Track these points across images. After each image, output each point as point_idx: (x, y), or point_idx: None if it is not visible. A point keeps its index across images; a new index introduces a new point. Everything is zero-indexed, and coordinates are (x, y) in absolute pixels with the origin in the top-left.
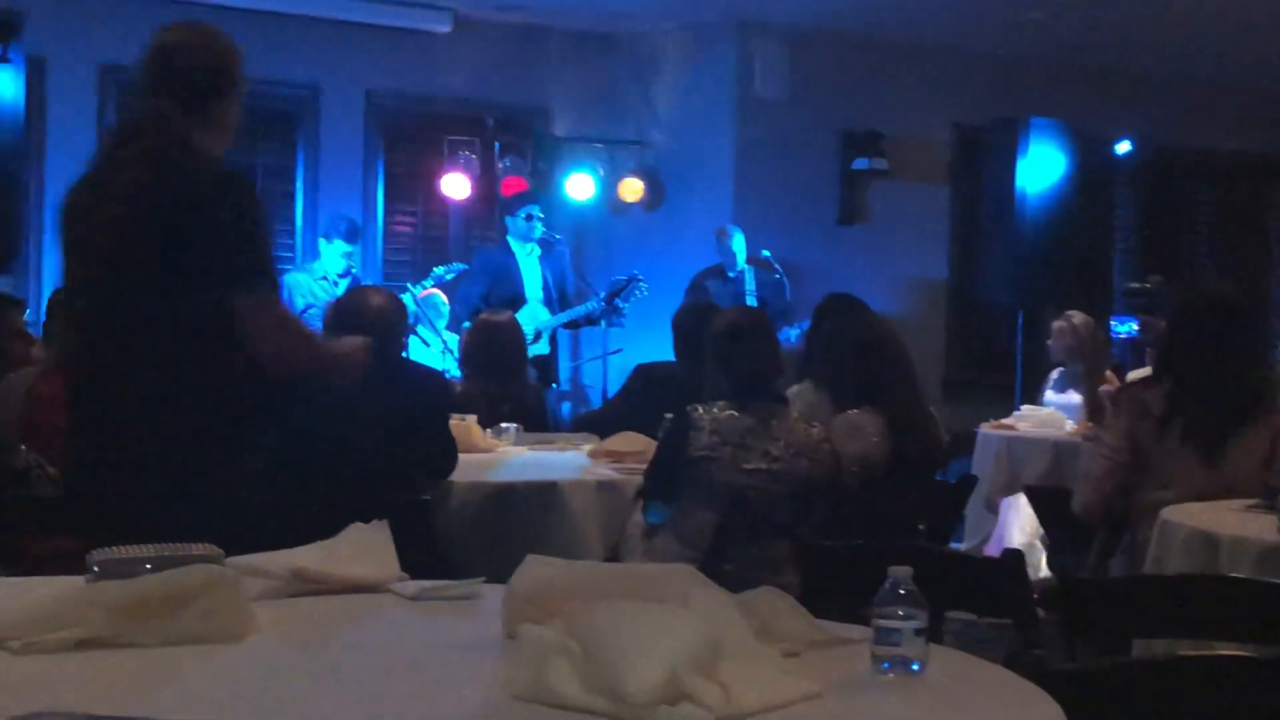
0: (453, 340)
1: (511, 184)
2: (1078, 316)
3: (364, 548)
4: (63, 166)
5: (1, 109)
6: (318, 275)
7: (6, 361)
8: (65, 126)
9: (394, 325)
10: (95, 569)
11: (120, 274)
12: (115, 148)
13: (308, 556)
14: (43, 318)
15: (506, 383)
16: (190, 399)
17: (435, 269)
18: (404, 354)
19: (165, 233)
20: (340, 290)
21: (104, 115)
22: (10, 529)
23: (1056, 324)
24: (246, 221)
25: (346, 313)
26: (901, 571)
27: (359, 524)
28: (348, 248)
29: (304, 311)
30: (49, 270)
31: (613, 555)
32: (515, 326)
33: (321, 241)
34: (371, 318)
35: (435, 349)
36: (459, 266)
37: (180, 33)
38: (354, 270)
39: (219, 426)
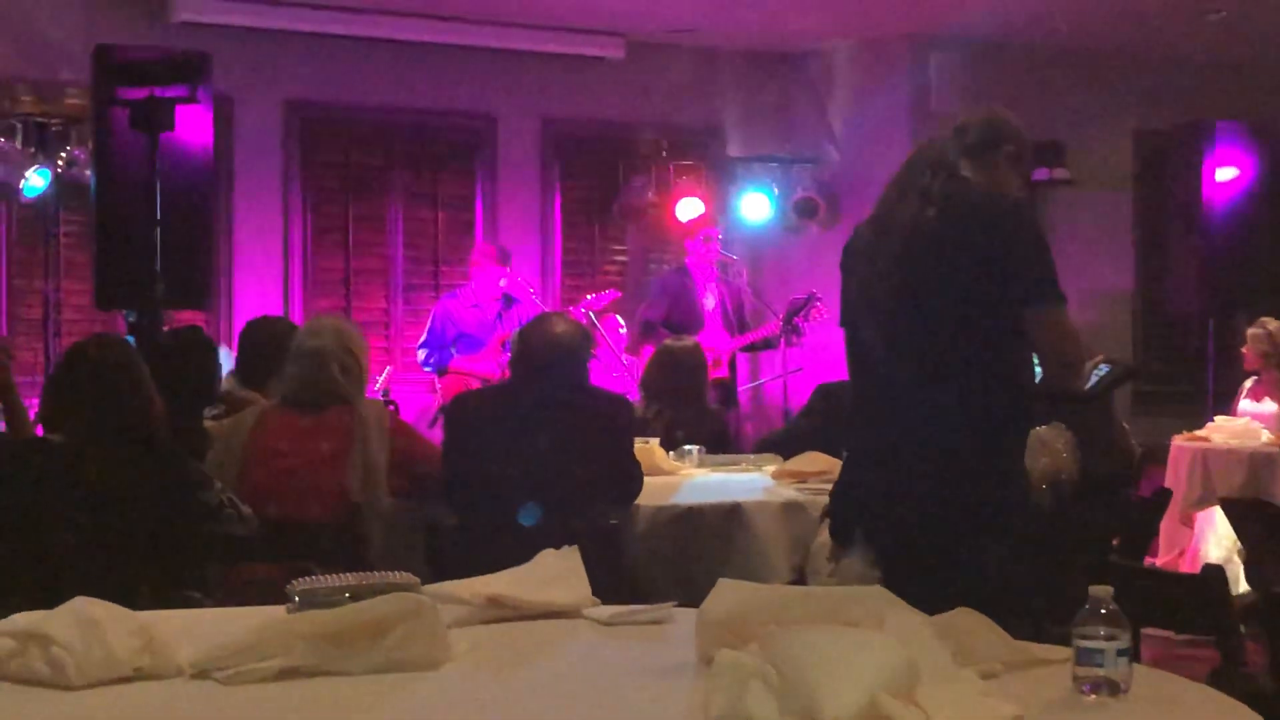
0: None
1: (688, 207)
2: (1272, 323)
3: (555, 574)
4: (251, 200)
5: (191, 148)
6: (468, 303)
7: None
8: (251, 163)
9: (578, 352)
10: (296, 599)
11: (909, 305)
12: (894, 188)
13: (501, 583)
14: (235, 353)
15: (688, 406)
16: (968, 420)
17: (588, 296)
18: (588, 381)
19: (954, 262)
20: (494, 317)
21: (288, 151)
22: (204, 561)
23: (1251, 331)
24: (1034, 238)
25: (532, 341)
26: (1102, 591)
27: (550, 550)
28: (500, 271)
29: (454, 340)
30: (242, 307)
31: (798, 577)
32: (697, 352)
33: (475, 269)
34: (557, 346)
35: (612, 373)
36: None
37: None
38: (507, 296)
39: (993, 448)
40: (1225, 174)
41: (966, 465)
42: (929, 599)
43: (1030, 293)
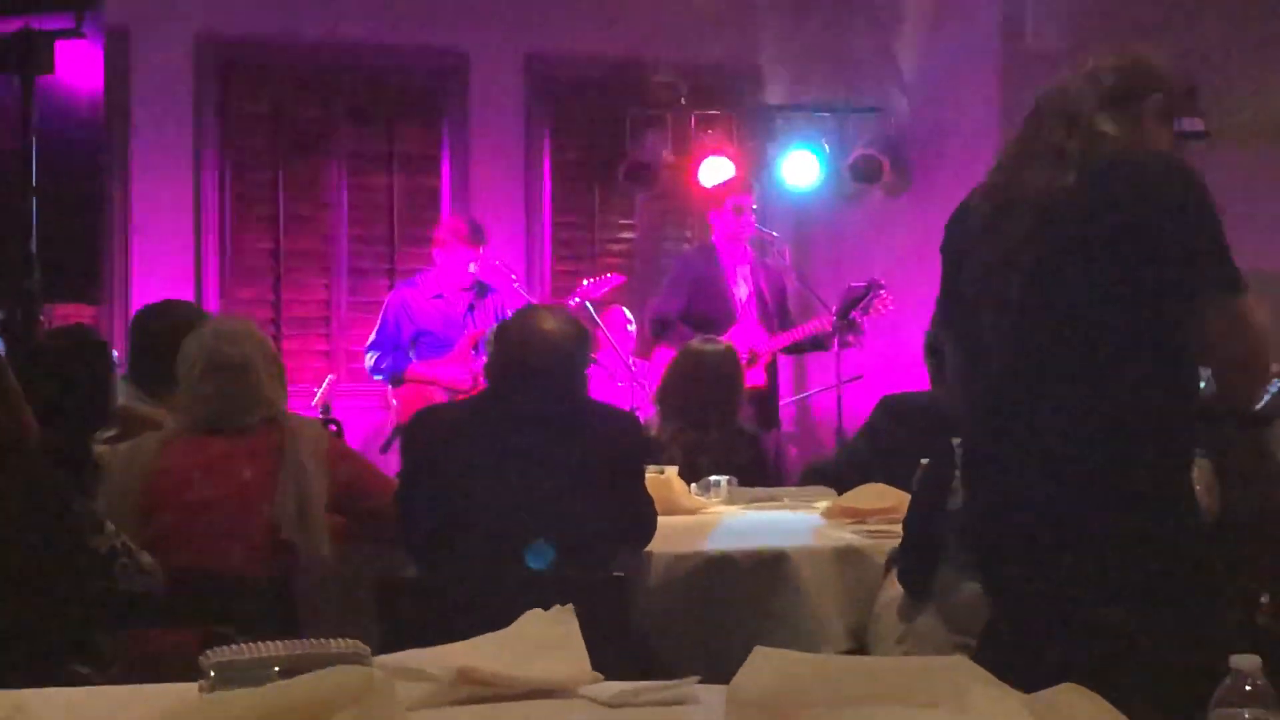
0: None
1: (714, 168)
2: None
3: (545, 640)
4: (153, 162)
5: (76, 96)
6: (429, 293)
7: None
8: (154, 116)
9: (574, 355)
10: (212, 674)
11: (1046, 294)
12: (1017, 149)
13: (476, 653)
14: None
15: (716, 426)
16: (1123, 435)
17: (584, 281)
18: (587, 392)
19: (1103, 239)
20: (462, 311)
21: (201, 99)
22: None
23: None
24: (1205, 209)
25: (514, 341)
26: (1248, 662)
27: (538, 610)
28: (471, 253)
29: (412, 340)
30: (143, 301)
31: (859, 643)
32: (730, 356)
33: (439, 251)
34: (546, 348)
35: (619, 382)
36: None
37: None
38: (480, 284)
39: (1158, 471)
40: None
41: (1124, 492)
42: (1071, 664)
43: (1200, 277)
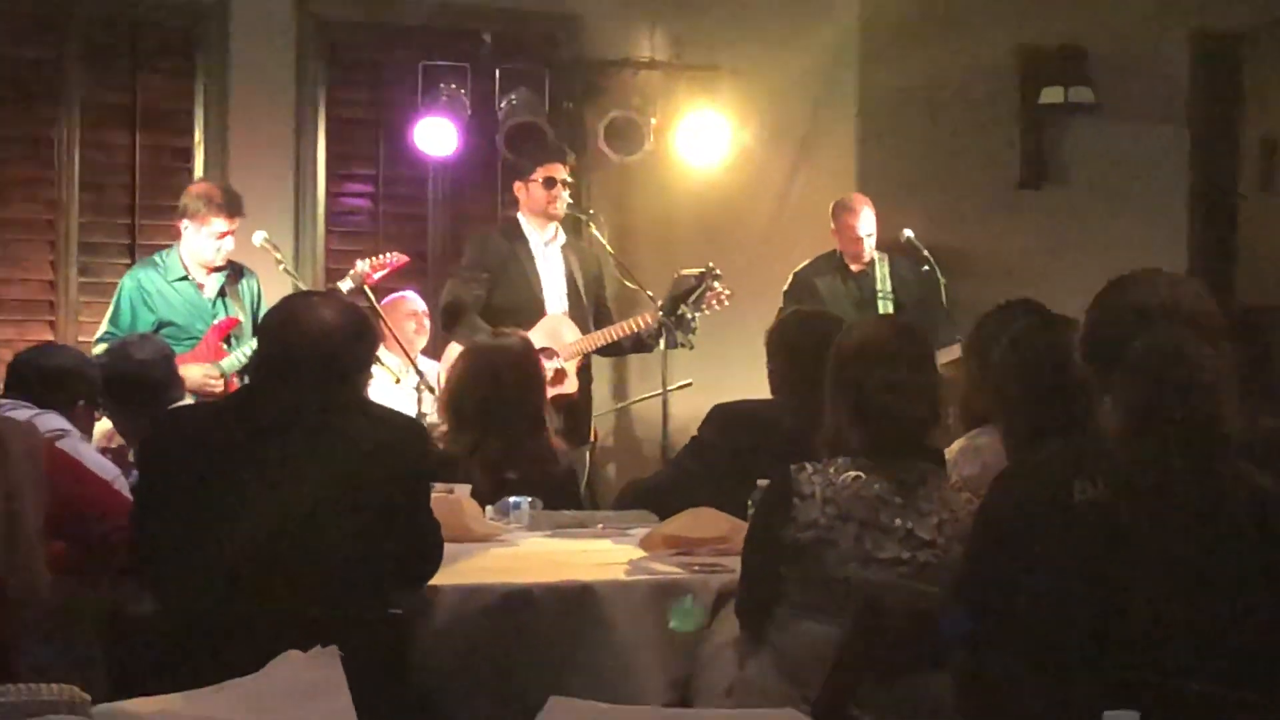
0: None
1: (521, 132)
2: None
3: (304, 688)
4: None
5: None
6: (173, 275)
7: None
8: None
9: (353, 351)
10: None
11: None
12: None
13: (219, 702)
14: None
15: (515, 438)
16: None
17: (359, 262)
18: (364, 396)
19: None
20: (212, 297)
21: None
22: None
23: None
24: None
25: (278, 334)
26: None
27: (294, 653)
28: (225, 226)
29: (159, 330)
30: None
31: (680, 695)
32: (527, 353)
33: (186, 224)
34: (318, 342)
35: (404, 384)
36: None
37: None
38: (236, 264)
39: None
40: None
41: None
42: None
43: None
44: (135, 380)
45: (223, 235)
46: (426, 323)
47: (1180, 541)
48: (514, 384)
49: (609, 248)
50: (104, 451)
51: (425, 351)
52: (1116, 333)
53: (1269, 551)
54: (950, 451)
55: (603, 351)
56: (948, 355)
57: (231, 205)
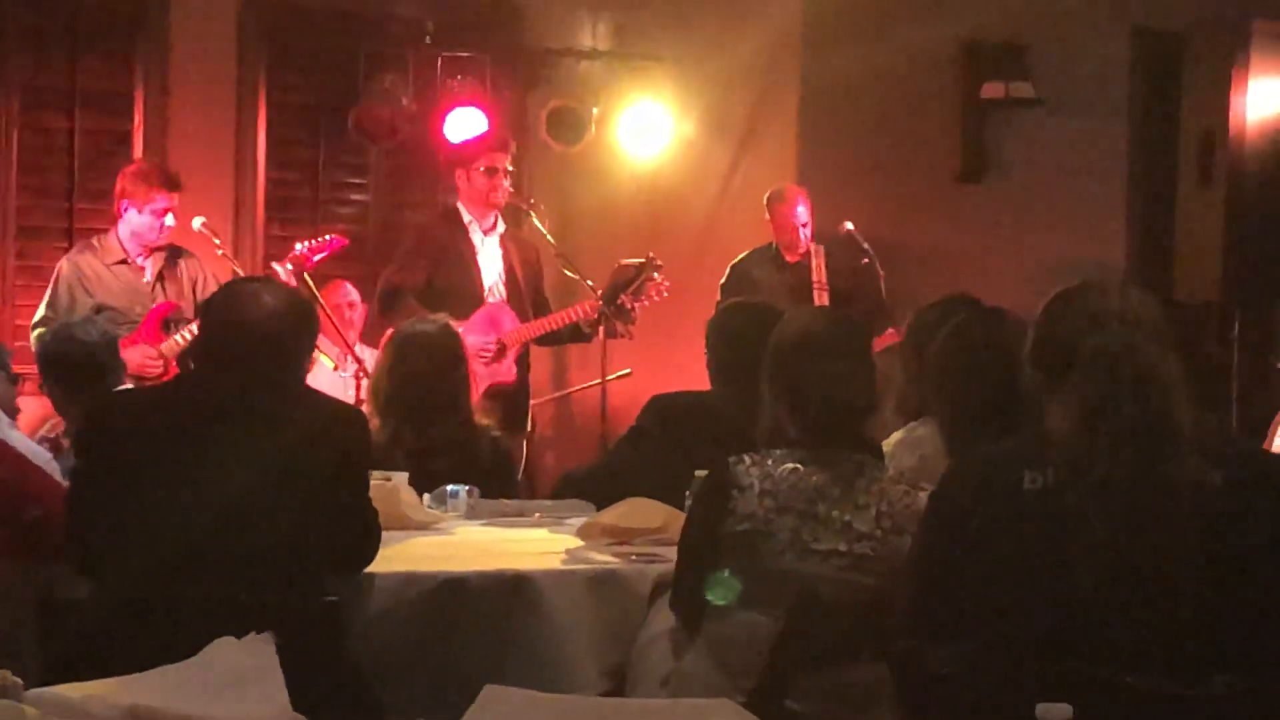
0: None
1: (463, 121)
2: None
3: (236, 674)
4: None
5: None
6: (111, 259)
7: None
8: None
9: (290, 338)
10: None
11: None
12: None
13: (152, 688)
14: None
15: (450, 426)
16: None
17: (297, 245)
18: (304, 383)
19: None
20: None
21: None
22: None
23: None
24: None
25: (218, 319)
26: (1056, 712)
27: (228, 639)
28: (167, 202)
29: (98, 314)
30: None
31: (616, 684)
32: (448, 336)
33: (126, 205)
34: (256, 328)
35: (341, 372)
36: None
37: None
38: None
39: None
40: (1266, 96)
41: None
42: None
43: None
44: (79, 362)
45: (164, 211)
46: (356, 317)
47: (1125, 533)
48: (427, 370)
49: (550, 237)
50: (42, 441)
51: (364, 340)
52: (1068, 337)
53: (1213, 546)
54: (888, 443)
55: (541, 341)
56: (881, 343)
57: (170, 180)
